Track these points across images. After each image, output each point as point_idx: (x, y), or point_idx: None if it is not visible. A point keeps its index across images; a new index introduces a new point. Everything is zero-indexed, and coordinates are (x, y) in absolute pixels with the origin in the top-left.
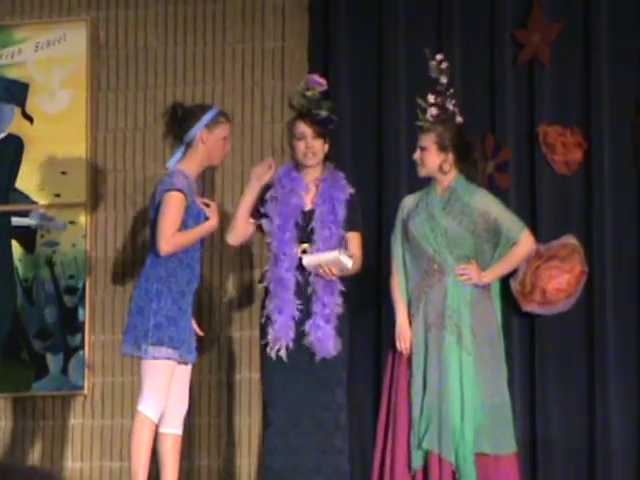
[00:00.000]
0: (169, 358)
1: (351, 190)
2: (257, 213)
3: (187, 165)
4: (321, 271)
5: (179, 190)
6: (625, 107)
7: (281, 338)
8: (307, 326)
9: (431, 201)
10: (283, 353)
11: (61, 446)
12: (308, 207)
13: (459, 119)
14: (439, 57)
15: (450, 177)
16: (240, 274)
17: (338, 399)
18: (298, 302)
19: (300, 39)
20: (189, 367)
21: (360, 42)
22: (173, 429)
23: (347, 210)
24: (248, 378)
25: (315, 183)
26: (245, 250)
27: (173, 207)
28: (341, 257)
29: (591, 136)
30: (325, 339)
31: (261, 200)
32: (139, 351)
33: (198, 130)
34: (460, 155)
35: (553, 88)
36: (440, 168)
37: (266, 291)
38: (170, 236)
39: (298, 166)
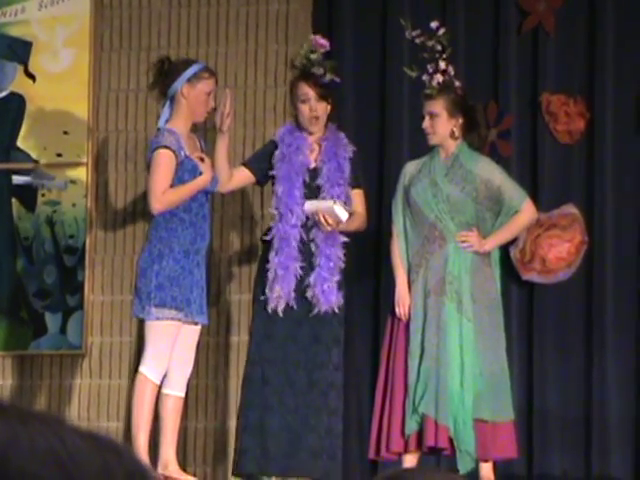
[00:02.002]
0: (172, 319)
1: (353, 148)
2: (261, 171)
3: (174, 122)
4: (316, 218)
5: (165, 147)
6: (629, 77)
7: (284, 295)
8: (311, 278)
9: (434, 168)
10: (281, 309)
11: (59, 405)
12: (313, 165)
13: (457, 83)
14: (434, 24)
15: (455, 144)
16: (240, 236)
17: (334, 358)
18: (301, 259)
19: (304, 2)
20: (197, 328)
21: (364, 5)
22: (175, 391)
23: (350, 167)
24: (246, 341)
25: (318, 142)
26: (246, 212)
27: (161, 164)
28: (335, 207)
29: (594, 106)
30: (329, 292)
31: (269, 162)
32: (143, 312)
33: (180, 84)
34: (468, 119)
35: (557, 57)
36: (452, 134)
37: (268, 246)
38: (160, 194)
39: (300, 126)
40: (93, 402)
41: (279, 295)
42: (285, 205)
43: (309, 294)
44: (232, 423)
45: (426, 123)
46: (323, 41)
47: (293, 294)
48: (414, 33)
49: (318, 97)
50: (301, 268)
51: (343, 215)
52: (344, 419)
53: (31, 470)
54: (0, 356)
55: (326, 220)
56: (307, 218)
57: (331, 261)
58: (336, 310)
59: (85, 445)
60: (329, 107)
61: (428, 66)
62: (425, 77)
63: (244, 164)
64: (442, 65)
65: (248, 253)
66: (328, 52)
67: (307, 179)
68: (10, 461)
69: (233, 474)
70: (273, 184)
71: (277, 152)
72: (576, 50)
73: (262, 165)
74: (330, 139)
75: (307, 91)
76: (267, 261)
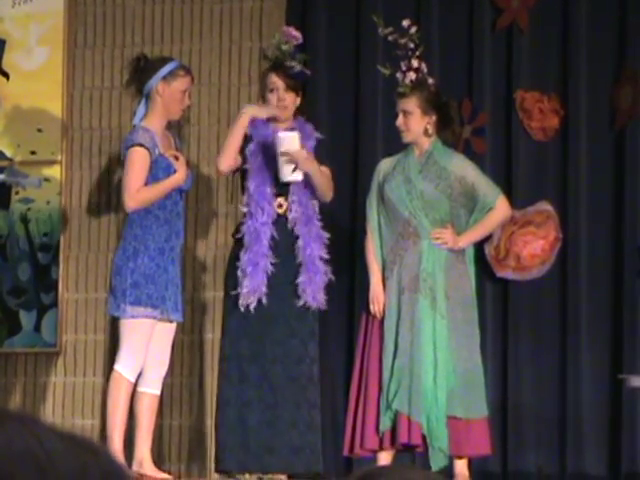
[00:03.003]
0: (147, 317)
1: (318, 135)
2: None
3: (149, 119)
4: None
5: (140, 145)
6: (603, 74)
7: (255, 291)
8: (301, 277)
9: (408, 165)
10: (253, 307)
11: (34, 403)
12: None
13: (431, 80)
14: (406, 23)
15: (429, 141)
16: (214, 234)
17: (311, 352)
18: (272, 255)
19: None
20: (172, 326)
21: (338, 3)
22: (151, 389)
23: (315, 156)
24: (212, 339)
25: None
26: (220, 210)
27: (135, 162)
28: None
29: (568, 103)
30: (316, 290)
31: (241, 155)
32: (118, 310)
33: (155, 82)
34: (441, 116)
35: (531, 54)
36: (425, 131)
37: (238, 244)
38: (134, 192)
39: (269, 118)
40: (68, 400)
41: (249, 292)
42: (256, 202)
43: (299, 291)
44: (208, 421)
45: (400, 121)
46: (295, 33)
47: (264, 289)
48: (387, 31)
49: (286, 87)
50: (272, 264)
51: (287, 136)
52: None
53: (7, 470)
54: None
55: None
56: (278, 215)
57: (322, 259)
58: (321, 308)
59: (62, 445)
60: (298, 99)
61: (401, 64)
62: (399, 75)
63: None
64: (415, 63)
65: (222, 250)
66: (301, 45)
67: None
68: None
69: (216, 471)
70: (244, 179)
71: (249, 145)
72: (550, 47)
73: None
74: (298, 130)
75: (275, 80)
76: (237, 259)
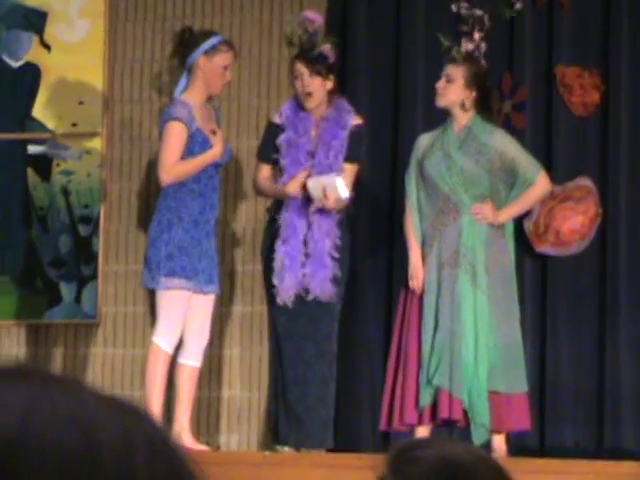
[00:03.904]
0: (182, 288)
1: (356, 121)
2: (271, 157)
3: (189, 93)
4: (315, 195)
5: (177, 119)
6: None
7: (292, 289)
8: (308, 268)
9: (447, 140)
10: (291, 301)
11: (74, 374)
12: (313, 146)
13: (484, 61)
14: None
15: (467, 116)
16: (253, 207)
17: (336, 329)
18: (304, 249)
19: None
20: (211, 297)
21: None
22: (191, 360)
23: (348, 142)
24: (240, 311)
25: (318, 122)
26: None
27: (172, 137)
28: (337, 182)
29: (609, 78)
30: (322, 280)
31: (273, 144)
32: (153, 282)
33: (197, 56)
34: (481, 97)
35: (571, 29)
36: (462, 104)
37: (274, 232)
38: (170, 166)
39: (302, 105)
40: (107, 371)
41: (287, 287)
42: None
43: (307, 283)
44: (233, 393)
45: (441, 83)
46: (313, 15)
47: (300, 284)
48: (462, 4)
49: (310, 73)
50: (305, 255)
51: (344, 192)
52: (358, 391)
53: (51, 434)
54: (15, 325)
55: (327, 196)
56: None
57: (329, 252)
58: (327, 300)
59: (106, 409)
60: (329, 83)
61: (464, 30)
62: (456, 47)
63: (263, 161)
64: (477, 37)
65: (261, 224)
66: (320, 26)
67: (308, 166)
68: (30, 424)
69: (273, 441)
70: (278, 168)
71: (283, 135)
72: (591, 22)
73: (274, 154)
74: (330, 119)
75: (299, 67)
76: (273, 248)
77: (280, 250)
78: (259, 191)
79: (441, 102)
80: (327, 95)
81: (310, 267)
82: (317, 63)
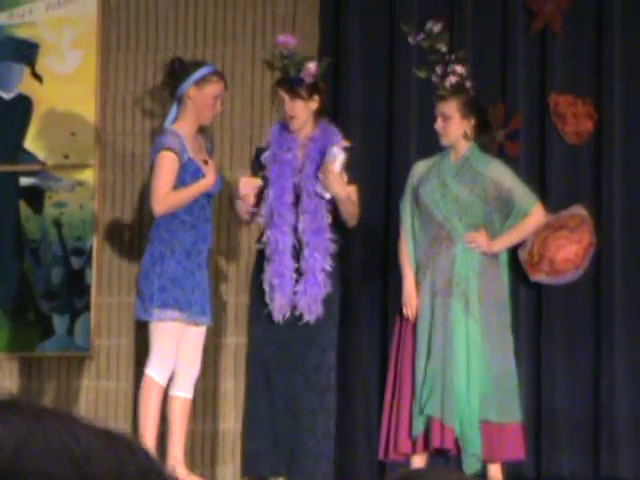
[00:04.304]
0: (175, 320)
1: (344, 144)
2: (256, 173)
3: (180, 124)
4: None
5: (169, 149)
6: (637, 77)
7: (285, 308)
8: (299, 286)
9: (443, 168)
10: (283, 319)
11: (66, 407)
12: (300, 164)
13: (469, 84)
14: (429, 24)
15: (466, 145)
16: (247, 238)
17: (329, 360)
18: (295, 265)
19: (311, 4)
20: (202, 329)
21: (372, 7)
22: (182, 392)
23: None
24: (234, 342)
25: (305, 142)
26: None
27: (164, 167)
28: (334, 148)
29: (602, 106)
30: (315, 301)
31: (258, 162)
32: (146, 314)
33: (187, 86)
34: (480, 120)
35: (565, 57)
36: (464, 135)
37: (261, 253)
38: (162, 196)
39: (287, 127)
40: (100, 404)
41: (280, 306)
42: (276, 212)
43: (297, 301)
44: (227, 425)
45: (439, 124)
46: (285, 38)
47: (292, 300)
48: (418, 38)
49: (291, 97)
50: (295, 272)
51: (340, 153)
52: (352, 420)
53: (45, 468)
54: (7, 358)
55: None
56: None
57: (323, 272)
58: (312, 320)
59: (99, 442)
60: (312, 104)
61: (437, 68)
62: (435, 78)
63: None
64: (455, 67)
65: (246, 255)
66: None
67: (296, 181)
68: (24, 458)
69: (245, 475)
70: (264, 187)
71: (268, 153)
72: (584, 51)
73: (259, 172)
74: (318, 138)
75: (279, 93)
76: (262, 269)
77: (267, 269)
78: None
79: (446, 141)
80: (313, 115)
81: (302, 285)
82: (296, 87)
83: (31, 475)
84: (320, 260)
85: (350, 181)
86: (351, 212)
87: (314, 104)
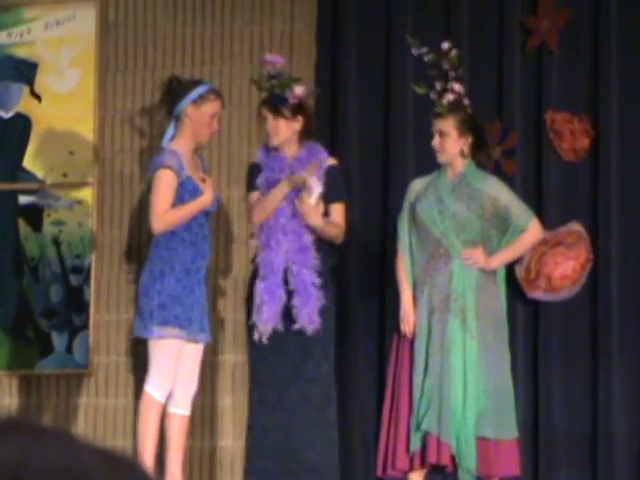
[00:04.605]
0: (175, 337)
1: (331, 162)
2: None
3: (177, 142)
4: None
5: (167, 167)
6: (633, 94)
7: (270, 322)
8: (295, 301)
9: (440, 185)
10: (266, 336)
11: (65, 425)
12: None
13: (467, 101)
14: (446, 45)
15: (462, 163)
16: (245, 256)
17: (325, 373)
18: (285, 286)
19: (308, 21)
20: (200, 347)
21: (368, 25)
22: (180, 409)
23: (328, 183)
24: (232, 360)
25: (291, 162)
26: (241, 233)
27: (162, 185)
28: (311, 180)
29: (599, 123)
30: (310, 314)
31: (252, 187)
32: (146, 331)
33: (185, 105)
34: (477, 138)
35: (561, 75)
36: (461, 152)
37: (255, 272)
38: (161, 214)
39: (275, 148)
40: (99, 421)
41: (264, 323)
42: (270, 232)
43: (293, 314)
44: (225, 442)
45: (436, 141)
46: (273, 58)
47: (279, 320)
48: (421, 50)
49: (274, 116)
50: (285, 292)
51: (316, 187)
52: (349, 436)
53: None
54: (6, 375)
55: (303, 199)
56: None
57: (314, 286)
58: (309, 332)
59: (98, 461)
60: (296, 124)
61: (436, 84)
62: (433, 95)
63: (251, 190)
64: (454, 84)
65: (244, 272)
66: (281, 67)
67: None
68: (24, 477)
69: None
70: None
71: (260, 176)
72: (580, 68)
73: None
74: (304, 158)
75: (263, 112)
76: (252, 285)
77: (259, 287)
78: (254, 215)
79: (443, 159)
80: (297, 135)
81: (296, 301)
82: (279, 106)
83: None
84: (308, 275)
85: (336, 199)
86: (332, 235)
87: (297, 124)
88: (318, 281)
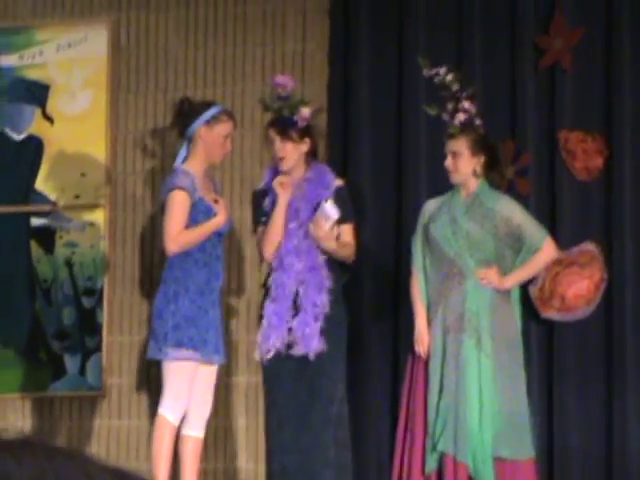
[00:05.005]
0: (189, 359)
1: (338, 183)
2: (262, 220)
3: (191, 163)
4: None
5: (180, 188)
6: None
7: (274, 344)
8: (294, 322)
9: (454, 205)
10: (268, 357)
11: (78, 447)
12: (297, 205)
13: (479, 121)
14: (443, 70)
15: (475, 183)
16: (258, 277)
17: (340, 393)
18: (293, 310)
19: (320, 41)
20: (214, 368)
21: (380, 45)
22: (194, 432)
23: (336, 204)
24: (246, 381)
25: (299, 184)
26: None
27: (176, 205)
28: (325, 205)
29: (612, 143)
30: (309, 338)
31: (259, 209)
32: (160, 353)
33: (197, 126)
34: (489, 157)
35: (574, 94)
36: (474, 172)
37: (265, 293)
38: (175, 235)
39: (281, 170)
40: (113, 443)
41: (267, 343)
42: (283, 256)
43: (291, 337)
44: (239, 464)
45: (448, 162)
46: (283, 79)
47: (284, 342)
48: (432, 72)
49: (281, 139)
50: (292, 316)
51: (333, 212)
52: (363, 458)
53: None
54: (19, 398)
55: (319, 224)
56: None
57: (316, 307)
58: (311, 356)
59: None
60: (303, 146)
61: (448, 104)
62: (445, 115)
63: (259, 225)
64: (465, 104)
65: (257, 293)
66: (291, 90)
67: (296, 225)
68: None
69: None
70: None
71: (267, 200)
72: (593, 87)
73: (264, 217)
74: (311, 179)
75: (270, 134)
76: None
77: (268, 308)
78: (264, 249)
79: (456, 179)
80: (305, 157)
81: (297, 322)
82: (288, 128)
83: None
84: (312, 296)
85: (345, 220)
86: (345, 256)
87: (305, 146)
88: (327, 303)
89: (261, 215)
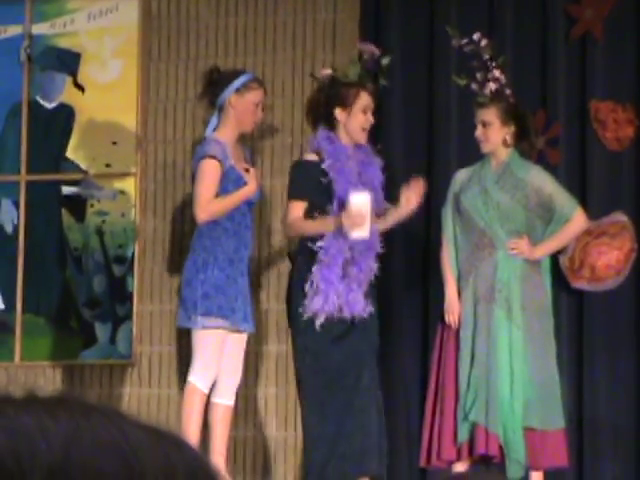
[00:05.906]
0: (219, 327)
1: (379, 162)
2: (306, 195)
3: (221, 131)
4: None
5: (212, 157)
6: None
7: (326, 309)
8: (340, 287)
9: (484, 175)
10: (319, 323)
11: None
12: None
13: (509, 91)
14: (477, 36)
15: (506, 152)
16: (287, 247)
17: (375, 360)
18: (343, 275)
19: (351, 11)
20: (244, 336)
21: (411, 14)
22: (224, 399)
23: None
24: (276, 350)
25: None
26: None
27: (207, 174)
28: (352, 198)
29: None
30: (353, 303)
31: (307, 182)
32: (189, 322)
33: (228, 94)
34: (520, 127)
35: (605, 64)
36: (504, 142)
37: (310, 256)
38: (205, 203)
39: (333, 131)
40: (142, 411)
41: (324, 309)
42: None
43: (341, 300)
44: (269, 432)
45: (479, 131)
46: (371, 47)
47: (336, 306)
48: (462, 42)
49: (373, 107)
50: (341, 280)
51: (360, 200)
52: (393, 426)
53: (94, 464)
54: (50, 366)
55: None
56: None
57: (362, 272)
58: (364, 315)
59: (147, 439)
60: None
61: (477, 74)
62: (474, 85)
63: (298, 198)
64: (495, 73)
65: (287, 262)
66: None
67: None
68: (73, 454)
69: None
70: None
71: (326, 163)
72: (625, 57)
73: (318, 195)
74: (360, 148)
75: (368, 101)
76: (309, 270)
77: (318, 273)
78: (292, 230)
79: (486, 148)
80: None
81: (346, 286)
82: (377, 97)
83: (80, 471)
84: (367, 263)
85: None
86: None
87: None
88: (375, 266)
89: (306, 188)
